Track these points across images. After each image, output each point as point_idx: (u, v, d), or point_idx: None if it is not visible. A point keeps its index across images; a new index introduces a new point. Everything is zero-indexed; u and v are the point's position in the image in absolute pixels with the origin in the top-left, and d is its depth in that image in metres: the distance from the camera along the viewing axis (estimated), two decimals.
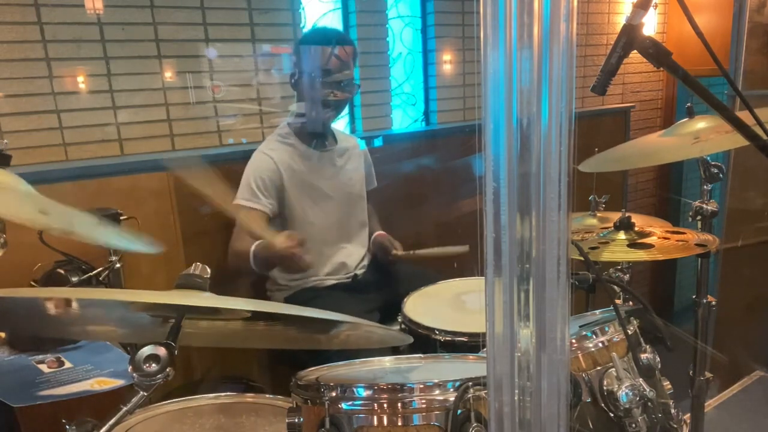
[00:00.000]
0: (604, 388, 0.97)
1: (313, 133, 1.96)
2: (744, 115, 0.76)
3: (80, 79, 1.93)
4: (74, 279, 1.55)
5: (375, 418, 0.89)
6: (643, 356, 1.01)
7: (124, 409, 0.79)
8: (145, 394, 0.78)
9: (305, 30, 2.35)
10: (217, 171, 2.07)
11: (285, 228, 1.90)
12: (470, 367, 1.08)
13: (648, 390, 0.95)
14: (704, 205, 1.53)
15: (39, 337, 1.39)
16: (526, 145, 0.52)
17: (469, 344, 1.42)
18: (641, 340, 1.06)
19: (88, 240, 0.99)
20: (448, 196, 2.52)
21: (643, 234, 1.40)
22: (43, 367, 1.31)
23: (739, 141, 0.74)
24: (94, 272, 1.58)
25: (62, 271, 1.55)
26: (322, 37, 2.00)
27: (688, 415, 1.59)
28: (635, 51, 0.75)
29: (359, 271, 2.04)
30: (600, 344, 1.01)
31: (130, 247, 1.25)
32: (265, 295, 2.04)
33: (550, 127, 0.52)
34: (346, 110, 2.43)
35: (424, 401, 0.88)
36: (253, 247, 1.73)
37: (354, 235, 2.06)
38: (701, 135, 1.36)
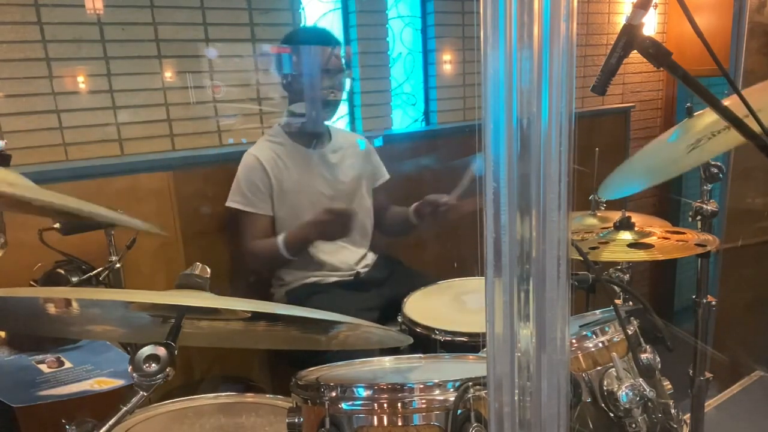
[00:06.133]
0: (604, 388, 0.97)
1: (304, 132, 1.98)
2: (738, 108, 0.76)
3: (80, 79, 1.93)
4: (74, 279, 1.55)
5: (375, 418, 0.89)
6: (643, 356, 1.01)
7: (124, 409, 0.79)
8: (145, 394, 0.78)
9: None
10: (217, 171, 2.10)
11: (276, 228, 1.92)
12: (470, 367, 1.08)
13: (648, 390, 0.95)
14: (704, 205, 1.53)
15: (39, 337, 1.39)
16: (526, 145, 0.52)
17: (469, 344, 1.42)
18: (641, 340, 1.06)
19: (61, 206, 0.97)
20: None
21: (643, 234, 1.40)
22: (43, 367, 1.31)
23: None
24: (94, 272, 1.58)
25: (62, 271, 1.55)
26: (302, 36, 2.01)
27: (688, 415, 1.59)
28: (635, 51, 0.75)
29: (362, 270, 2.04)
30: (600, 344, 1.01)
31: (118, 220, 1.23)
32: (268, 292, 2.05)
33: (550, 127, 0.52)
34: (343, 109, 2.44)
35: (424, 401, 0.88)
36: (279, 238, 1.85)
37: (353, 233, 2.06)
38: (709, 130, 1.34)
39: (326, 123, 2.04)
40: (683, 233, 1.42)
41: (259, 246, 1.91)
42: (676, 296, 3.93)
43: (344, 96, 2.02)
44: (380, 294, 1.96)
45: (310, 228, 1.85)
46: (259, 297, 2.01)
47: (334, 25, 2.52)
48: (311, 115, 1.93)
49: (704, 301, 1.54)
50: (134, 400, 0.79)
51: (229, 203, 1.91)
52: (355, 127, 2.62)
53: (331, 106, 1.96)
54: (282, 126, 1.99)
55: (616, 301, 1.37)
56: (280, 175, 1.91)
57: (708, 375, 1.59)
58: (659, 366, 1.04)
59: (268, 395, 1.28)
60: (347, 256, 2.02)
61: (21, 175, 1.04)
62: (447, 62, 2.79)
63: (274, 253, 1.86)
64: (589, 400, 0.96)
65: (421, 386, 0.89)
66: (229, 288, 2.12)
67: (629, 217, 1.43)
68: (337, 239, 1.93)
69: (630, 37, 0.74)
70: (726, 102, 0.76)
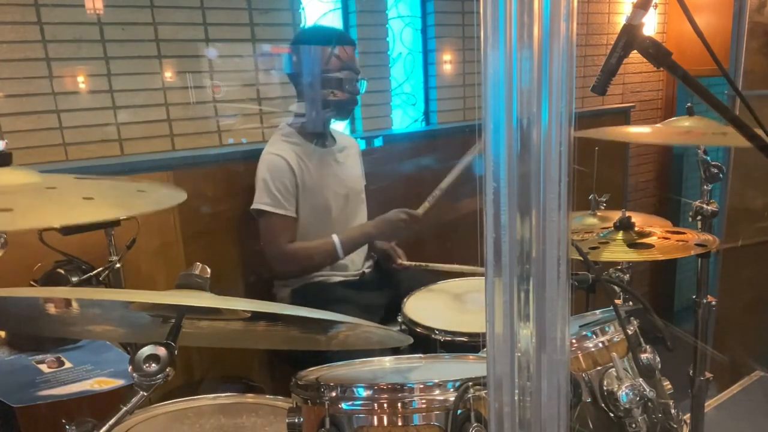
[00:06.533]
0: (604, 388, 0.97)
1: (314, 132, 1.97)
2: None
3: (80, 79, 1.93)
4: (74, 279, 1.54)
5: (375, 418, 0.89)
6: (643, 356, 1.01)
7: (124, 409, 0.79)
8: (145, 394, 0.78)
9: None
10: (217, 171, 2.10)
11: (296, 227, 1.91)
12: (470, 367, 1.08)
13: (648, 390, 0.95)
14: (704, 205, 1.53)
15: (39, 337, 1.39)
16: (526, 145, 0.52)
17: (469, 344, 1.42)
18: (641, 340, 1.06)
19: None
20: (448, 196, 2.52)
21: (643, 234, 1.40)
22: (43, 367, 1.31)
23: (727, 141, 0.73)
24: (94, 272, 1.58)
25: (62, 271, 1.55)
26: (317, 35, 2.01)
27: (688, 415, 1.59)
28: (635, 51, 0.75)
29: (367, 269, 2.05)
30: (600, 344, 1.01)
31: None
32: (270, 292, 2.05)
33: (550, 127, 0.52)
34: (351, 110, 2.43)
35: (424, 401, 0.88)
36: (335, 238, 1.87)
37: None
38: (694, 131, 1.36)
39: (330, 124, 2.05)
40: (683, 233, 1.42)
41: (303, 248, 1.89)
42: (676, 296, 3.94)
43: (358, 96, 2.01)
44: (387, 293, 1.97)
45: (377, 227, 1.91)
46: (262, 297, 2.02)
47: (333, 25, 2.52)
48: (320, 115, 1.92)
49: (704, 301, 1.54)
50: (134, 400, 0.79)
51: (258, 205, 1.86)
52: (355, 127, 2.62)
53: (342, 106, 1.95)
54: (292, 125, 1.97)
55: (616, 301, 1.37)
56: (302, 175, 1.90)
57: (708, 375, 1.59)
58: (659, 366, 1.04)
59: (268, 395, 1.28)
60: (356, 256, 2.02)
61: (36, 172, 1.04)
62: (447, 62, 2.79)
63: (327, 254, 1.86)
64: (589, 400, 0.96)
65: (421, 386, 0.89)
66: (230, 288, 2.12)
67: (629, 217, 1.43)
68: (394, 239, 2.01)
69: (630, 37, 0.74)
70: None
